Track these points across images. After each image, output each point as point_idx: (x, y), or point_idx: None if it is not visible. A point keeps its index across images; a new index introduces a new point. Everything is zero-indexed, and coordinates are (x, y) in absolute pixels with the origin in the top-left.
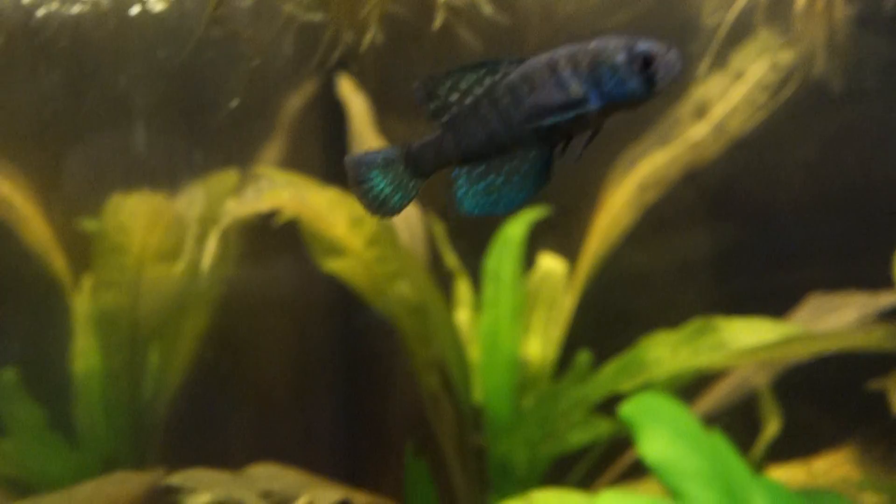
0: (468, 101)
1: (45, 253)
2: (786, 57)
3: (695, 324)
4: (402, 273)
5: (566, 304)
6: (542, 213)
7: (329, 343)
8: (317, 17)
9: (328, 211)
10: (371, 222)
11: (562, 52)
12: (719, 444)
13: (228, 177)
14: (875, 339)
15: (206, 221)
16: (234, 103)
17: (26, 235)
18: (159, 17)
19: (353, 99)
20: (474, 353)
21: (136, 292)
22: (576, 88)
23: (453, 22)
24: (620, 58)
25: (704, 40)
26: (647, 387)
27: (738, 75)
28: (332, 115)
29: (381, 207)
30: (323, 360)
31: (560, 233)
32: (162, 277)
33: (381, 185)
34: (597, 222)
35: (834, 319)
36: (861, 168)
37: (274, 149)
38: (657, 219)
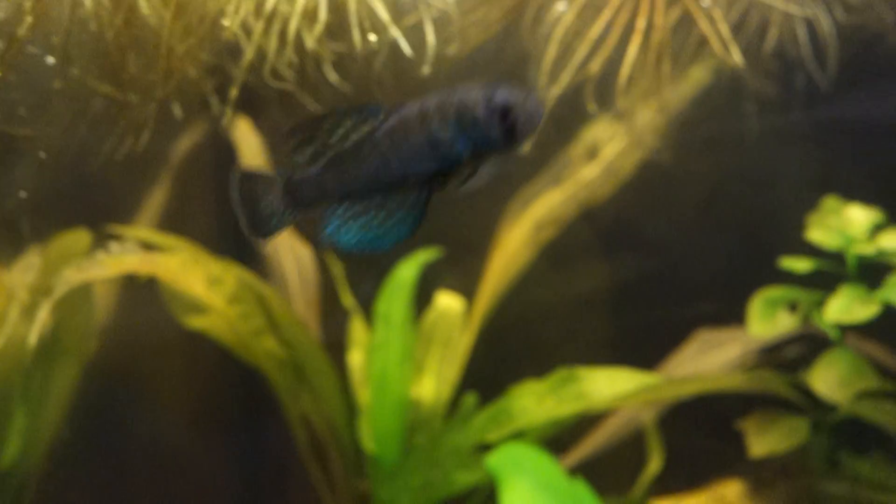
0: (348, 143)
1: None
2: (672, 100)
3: (560, 373)
4: (269, 328)
5: (463, 342)
6: (433, 254)
7: (225, 384)
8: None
9: (182, 272)
10: (231, 280)
11: (431, 102)
12: (582, 494)
13: (76, 238)
14: (738, 382)
15: (39, 290)
16: (23, 194)
17: None
18: None
19: (245, 140)
20: (366, 396)
21: None
22: (444, 137)
23: (299, 89)
24: (480, 109)
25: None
26: (516, 436)
27: (627, 117)
28: (225, 158)
29: (256, 229)
30: (219, 402)
31: (459, 272)
32: (10, 343)
33: (260, 207)
34: (494, 261)
35: (719, 355)
36: (747, 206)
37: (158, 196)
38: (555, 256)
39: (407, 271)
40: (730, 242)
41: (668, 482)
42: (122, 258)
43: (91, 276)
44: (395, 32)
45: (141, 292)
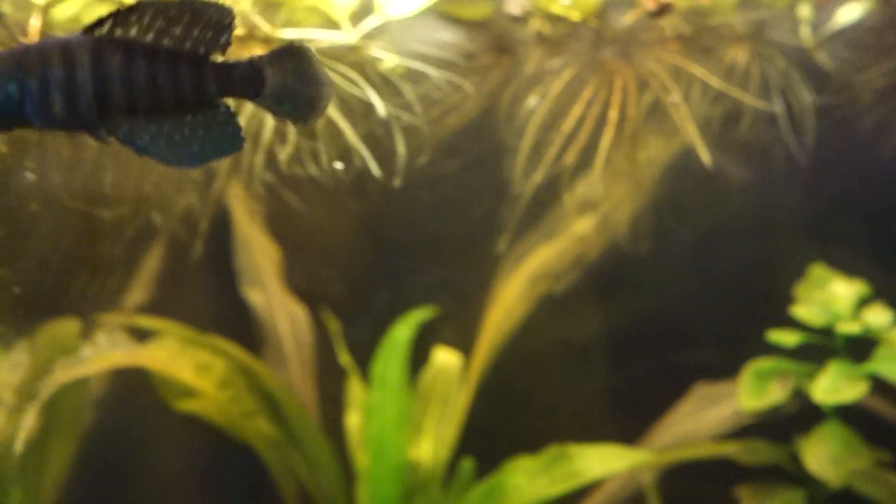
0: None
1: None
2: (662, 153)
3: (552, 451)
4: (260, 410)
5: (461, 400)
6: (428, 313)
7: (222, 456)
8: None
9: (170, 361)
10: (220, 366)
11: None
12: None
13: (64, 329)
14: (732, 451)
15: (25, 393)
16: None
17: None
18: None
19: (239, 204)
20: (363, 460)
21: None
22: None
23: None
24: None
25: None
26: None
27: (620, 172)
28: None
29: None
30: (224, 473)
31: (454, 327)
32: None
33: None
34: (490, 316)
35: (716, 412)
36: (739, 255)
37: (151, 264)
38: (550, 307)
39: (402, 332)
40: (725, 290)
41: None
42: (109, 353)
43: (77, 374)
44: (364, 153)
45: None
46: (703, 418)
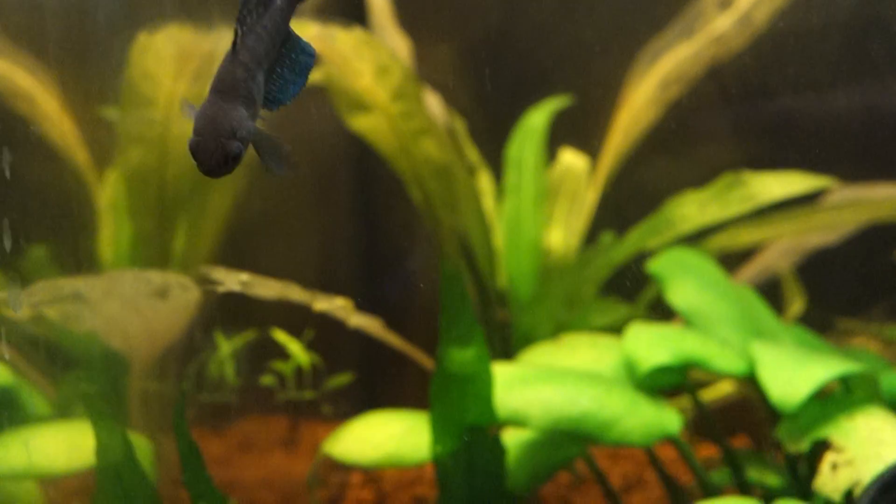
0: None
1: (68, 149)
2: None
3: (724, 180)
4: (428, 131)
5: (588, 198)
6: (562, 102)
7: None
8: None
9: (354, 54)
10: (397, 72)
11: None
12: (747, 295)
13: None
14: None
15: None
16: None
17: (48, 132)
18: None
19: None
20: (497, 239)
21: (164, 150)
22: None
23: None
24: None
25: None
26: (675, 243)
27: None
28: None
29: None
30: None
31: (580, 130)
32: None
33: None
34: (618, 119)
35: None
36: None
37: None
38: (678, 115)
39: (537, 118)
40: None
41: None
42: (304, 27)
43: None
44: None
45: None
46: None
